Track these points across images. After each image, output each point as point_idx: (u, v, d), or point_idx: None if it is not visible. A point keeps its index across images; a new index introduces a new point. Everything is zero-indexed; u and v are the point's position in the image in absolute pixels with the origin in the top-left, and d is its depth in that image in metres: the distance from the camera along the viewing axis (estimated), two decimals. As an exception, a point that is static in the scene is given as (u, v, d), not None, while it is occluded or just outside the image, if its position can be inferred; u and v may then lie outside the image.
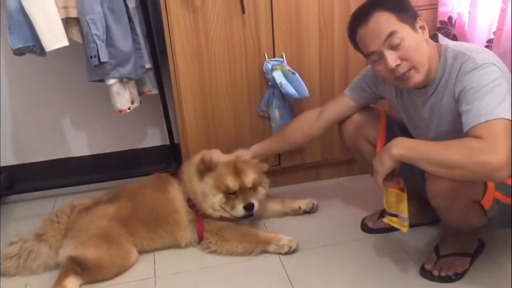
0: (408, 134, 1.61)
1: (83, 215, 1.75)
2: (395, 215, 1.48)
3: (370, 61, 1.43)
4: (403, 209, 1.43)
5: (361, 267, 1.64)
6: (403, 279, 1.55)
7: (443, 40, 1.45)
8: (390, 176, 1.39)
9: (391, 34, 1.33)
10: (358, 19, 1.40)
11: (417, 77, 1.37)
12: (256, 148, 1.88)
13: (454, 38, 1.99)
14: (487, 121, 1.21)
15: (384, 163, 1.35)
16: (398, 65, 1.35)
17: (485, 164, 1.17)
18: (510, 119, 1.22)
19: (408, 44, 1.34)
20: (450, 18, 1.98)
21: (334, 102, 1.76)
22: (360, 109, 1.72)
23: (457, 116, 1.34)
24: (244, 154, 1.85)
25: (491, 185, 1.35)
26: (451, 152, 1.23)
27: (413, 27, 1.36)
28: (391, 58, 1.34)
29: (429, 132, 1.50)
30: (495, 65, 1.29)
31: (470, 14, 1.88)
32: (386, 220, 1.53)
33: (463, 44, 1.44)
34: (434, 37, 1.46)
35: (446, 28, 2.01)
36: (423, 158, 1.28)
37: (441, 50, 1.42)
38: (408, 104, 1.56)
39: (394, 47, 1.34)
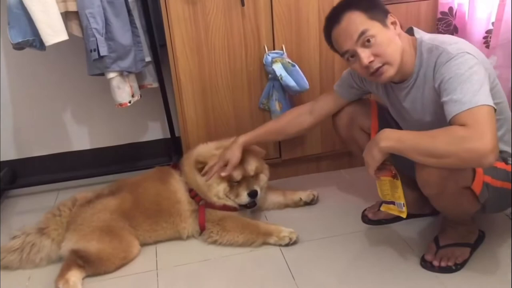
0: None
1: (85, 208, 1.76)
2: (393, 203, 1.49)
3: (346, 59, 1.46)
4: (399, 196, 1.45)
5: (361, 258, 1.65)
6: (404, 270, 1.56)
7: (418, 33, 1.47)
8: (382, 165, 1.40)
9: (363, 32, 1.37)
10: (332, 20, 1.43)
11: (390, 71, 1.40)
12: (244, 139, 1.79)
13: (455, 28, 1.99)
14: (470, 108, 1.23)
15: (374, 156, 1.37)
16: (371, 62, 1.38)
17: (473, 151, 1.19)
18: (490, 104, 1.24)
19: (380, 41, 1.37)
20: (450, 9, 1.98)
21: (324, 98, 1.77)
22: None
23: (439, 107, 1.36)
24: (234, 157, 1.75)
25: (479, 169, 1.36)
26: (438, 142, 1.24)
27: (384, 24, 1.39)
28: (365, 55, 1.38)
29: (414, 124, 1.52)
30: (469, 53, 1.31)
31: (470, 5, 1.87)
32: (383, 208, 1.55)
33: (438, 36, 1.46)
34: (409, 31, 1.49)
35: (446, 18, 2.00)
36: (412, 149, 1.29)
37: (416, 44, 1.44)
38: (393, 98, 1.59)
39: (366, 45, 1.37)
